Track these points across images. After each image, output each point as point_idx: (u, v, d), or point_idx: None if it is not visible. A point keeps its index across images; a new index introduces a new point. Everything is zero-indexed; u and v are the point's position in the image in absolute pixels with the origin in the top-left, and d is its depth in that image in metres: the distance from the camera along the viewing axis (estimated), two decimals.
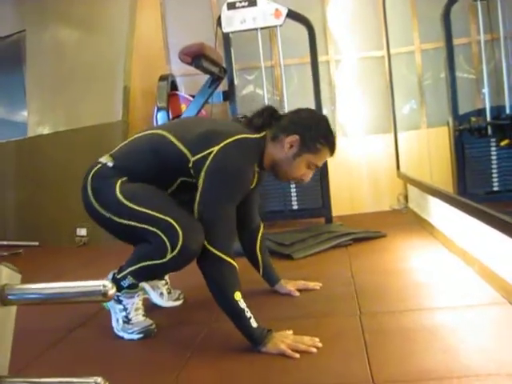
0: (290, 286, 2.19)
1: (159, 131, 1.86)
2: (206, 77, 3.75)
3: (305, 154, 1.82)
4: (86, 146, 4.08)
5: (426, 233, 3.16)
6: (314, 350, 1.57)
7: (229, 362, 1.58)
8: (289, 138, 1.81)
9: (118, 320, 1.88)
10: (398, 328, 1.70)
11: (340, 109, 4.54)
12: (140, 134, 1.96)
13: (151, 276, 1.95)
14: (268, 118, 1.87)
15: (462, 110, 3.30)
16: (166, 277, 2.22)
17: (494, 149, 3.19)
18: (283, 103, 3.89)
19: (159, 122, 3.87)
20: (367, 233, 3.21)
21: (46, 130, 4.35)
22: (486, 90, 3.26)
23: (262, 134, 1.84)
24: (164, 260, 1.68)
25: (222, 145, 1.72)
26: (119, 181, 1.79)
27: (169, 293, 2.21)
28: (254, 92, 4.64)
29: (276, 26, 3.77)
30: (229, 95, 3.88)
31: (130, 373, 1.59)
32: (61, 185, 4.19)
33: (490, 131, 3.16)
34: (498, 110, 3.15)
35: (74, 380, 0.99)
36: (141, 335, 1.84)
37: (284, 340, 1.60)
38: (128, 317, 1.85)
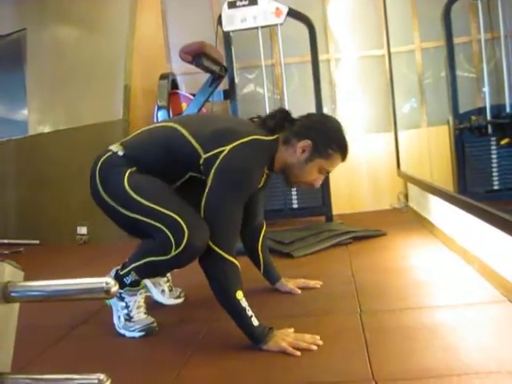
0: (290, 284, 2.20)
1: (173, 124, 1.85)
2: (207, 75, 3.75)
3: (317, 159, 1.82)
4: (86, 144, 4.08)
5: (426, 231, 3.16)
6: (315, 347, 1.57)
7: (230, 360, 1.58)
8: (301, 142, 1.80)
9: (119, 317, 1.89)
10: (399, 326, 1.70)
11: (340, 107, 4.54)
12: (153, 126, 1.95)
13: (154, 272, 1.95)
14: (281, 121, 1.86)
15: (462, 109, 3.30)
16: (168, 274, 2.22)
17: (494, 147, 3.19)
18: (284, 102, 3.90)
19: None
20: (367, 231, 3.22)
21: (46, 129, 4.35)
22: (486, 89, 3.26)
23: (275, 137, 1.84)
24: (168, 256, 1.67)
25: (234, 144, 1.71)
26: (128, 171, 1.78)
27: (170, 290, 2.21)
28: (255, 91, 4.65)
29: (277, 25, 3.77)
30: (229, 94, 3.88)
31: (131, 370, 1.59)
32: (61, 183, 4.20)
33: (490, 130, 3.16)
34: (498, 109, 3.16)
35: (77, 377, 0.99)
36: (142, 333, 1.84)
37: (285, 338, 1.61)
38: (130, 314, 1.86)
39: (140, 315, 1.87)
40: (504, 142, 3.14)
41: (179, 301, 2.21)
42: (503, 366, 1.35)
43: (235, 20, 3.71)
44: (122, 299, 1.87)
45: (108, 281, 0.97)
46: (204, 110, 3.93)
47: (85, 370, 1.08)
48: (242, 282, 1.66)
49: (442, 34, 3.33)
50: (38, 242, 4.19)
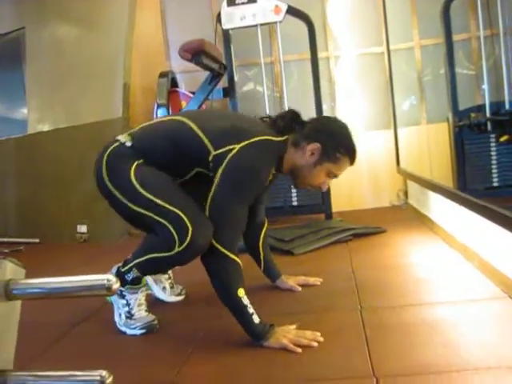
0: (290, 281, 2.20)
1: (182, 118, 1.83)
2: (206, 73, 3.75)
3: (325, 163, 1.82)
4: (86, 142, 4.08)
5: (426, 228, 3.16)
6: (316, 344, 1.58)
7: (230, 357, 1.59)
8: (310, 145, 1.81)
9: (120, 315, 1.89)
10: (399, 323, 1.71)
11: (340, 105, 4.54)
12: (163, 119, 1.94)
13: (156, 269, 1.94)
14: (290, 122, 1.86)
15: (461, 106, 3.31)
16: (170, 271, 2.22)
17: (493, 144, 3.20)
18: (283, 100, 3.90)
19: None
20: (367, 228, 3.22)
21: (45, 127, 4.35)
22: (485, 86, 3.26)
23: (285, 138, 1.84)
24: (171, 253, 1.66)
25: (244, 143, 1.71)
26: (135, 163, 1.77)
27: (171, 287, 2.21)
28: (255, 89, 4.65)
29: (276, 23, 3.77)
30: (229, 92, 3.88)
31: (132, 368, 1.60)
32: (61, 182, 4.20)
33: (489, 127, 3.17)
34: (497, 106, 3.16)
35: (79, 373, 1.00)
36: (143, 331, 1.85)
37: (286, 335, 1.61)
38: (131, 312, 1.86)
39: (141, 313, 1.87)
40: (503, 138, 3.14)
41: (180, 298, 2.21)
42: (503, 361, 1.35)
43: (234, 18, 3.70)
44: (123, 297, 1.87)
45: (109, 278, 0.98)
46: (204, 107, 3.93)
47: (86, 367, 1.09)
48: (244, 280, 1.66)
49: (442, 31, 3.34)
50: (38, 240, 4.19)
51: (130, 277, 1.82)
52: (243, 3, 3.67)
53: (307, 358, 1.51)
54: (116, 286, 0.97)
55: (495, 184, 3.21)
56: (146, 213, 1.70)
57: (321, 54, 4.15)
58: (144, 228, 1.83)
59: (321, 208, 3.82)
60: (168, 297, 2.18)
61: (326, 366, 1.45)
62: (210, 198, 1.70)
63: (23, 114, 4.59)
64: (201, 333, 1.82)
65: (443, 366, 1.36)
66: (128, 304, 1.86)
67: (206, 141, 1.75)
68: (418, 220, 3.48)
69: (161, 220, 1.68)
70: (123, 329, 1.88)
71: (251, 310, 1.62)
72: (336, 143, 1.82)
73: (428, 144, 3.77)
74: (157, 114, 3.92)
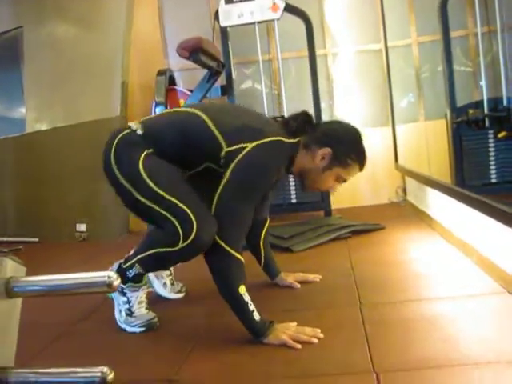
0: (290, 278, 2.20)
1: (198, 111, 1.80)
2: (204, 71, 3.75)
3: (335, 168, 1.83)
4: (84, 141, 4.08)
5: (425, 225, 3.17)
6: (316, 340, 1.58)
7: (231, 354, 1.59)
8: (321, 150, 1.81)
9: (120, 311, 1.89)
10: (398, 318, 1.71)
11: (338, 102, 4.55)
12: (177, 109, 1.92)
13: (159, 265, 1.90)
14: (302, 124, 1.85)
15: (459, 103, 3.31)
16: (171, 267, 2.21)
17: (491, 141, 3.20)
18: (281, 97, 3.90)
19: None
20: (366, 225, 3.23)
21: (44, 126, 4.35)
22: (483, 83, 3.27)
23: (297, 140, 1.83)
24: (175, 248, 1.65)
25: (258, 142, 1.70)
26: (144, 152, 1.74)
27: (172, 284, 2.21)
28: (253, 87, 4.65)
29: (273, 20, 3.76)
30: (227, 89, 3.88)
31: (132, 365, 1.60)
32: (60, 180, 4.20)
33: (487, 123, 3.17)
34: (495, 102, 3.16)
35: (81, 370, 1.00)
36: (143, 329, 1.85)
37: (285, 331, 1.62)
38: (131, 310, 1.86)
39: (141, 310, 1.88)
40: (501, 135, 3.14)
41: (180, 296, 2.21)
42: (502, 356, 1.36)
43: (232, 15, 3.70)
44: (123, 294, 1.87)
45: (110, 275, 0.98)
46: None
47: (87, 364, 1.09)
48: (246, 278, 1.66)
49: (439, 27, 3.33)
50: (37, 239, 4.19)
51: (131, 273, 1.81)
52: (241, 1, 3.67)
53: (307, 355, 1.52)
54: (116, 282, 0.97)
55: (493, 180, 3.22)
56: (152, 205, 1.69)
57: (319, 52, 4.15)
58: (147, 219, 1.82)
59: (320, 205, 3.83)
60: (168, 293, 2.18)
61: (326, 362, 1.45)
62: (217, 195, 1.69)
63: (21, 113, 4.58)
64: (201, 330, 1.82)
65: (443, 360, 1.37)
66: (129, 301, 1.86)
67: (218, 136, 1.73)
68: (417, 216, 3.49)
69: (166, 214, 1.66)
70: (123, 326, 1.88)
71: (252, 307, 1.62)
72: (347, 149, 1.83)
73: (426, 141, 3.77)
74: (155, 112, 3.91)
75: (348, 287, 2.10)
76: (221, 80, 3.97)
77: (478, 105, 3.24)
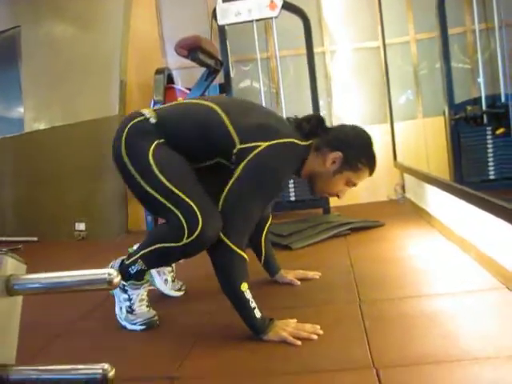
0: (290, 275, 2.21)
1: (213, 105, 1.78)
2: (202, 70, 3.75)
3: (345, 172, 1.83)
4: (82, 140, 4.09)
5: (424, 221, 3.18)
6: (315, 337, 1.59)
7: (231, 350, 1.60)
8: (332, 154, 1.80)
9: (121, 308, 1.90)
10: (398, 314, 1.72)
11: (336, 100, 4.55)
12: (192, 101, 1.91)
13: (162, 261, 1.88)
14: (315, 127, 1.85)
15: (457, 100, 3.31)
16: (173, 264, 2.21)
17: (489, 137, 3.20)
18: (280, 95, 3.90)
19: None
20: (365, 222, 3.23)
21: (42, 126, 4.35)
22: (481, 79, 3.27)
23: (309, 143, 1.83)
24: (179, 244, 1.64)
25: (272, 142, 1.70)
26: (156, 141, 1.73)
27: (173, 281, 2.22)
28: (251, 86, 4.65)
29: (271, 18, 3.76)
30: (225, 88, 3.88)
31: (133, 363, 1.61)
32: (58, 179, 4.20)
33: (485, 120, 3.17)
34: (493, 99, 3.16)
35: (82, 367, 1.00)
36: (143, 327, 1.85)
37: (285, 328, 1.62)
38: (132, 307, 1.86)
39: (142, 308, 1.88)
40: (499, 131, 3.15)
41: (180, 294, 2.22)
42: (502, 351, 1.36)
43: (230, 14, 3.70)
44: (125, 291, 1.87)
45: (110, 272, 0.98)
46: None
47: (88, 362, 1.09)
48: (249, 275, 1.66)
49: (437, 25, 3.34)
50: (36, 238, 4.19)
51: (134, 269, 1.79)
52: None
53: (307, 351, 1.52)
54: (117, 279, 0.97)
55: (491, 177, 3.22)
56: (159, 198, 1.67)
57: (316, 49, 4.15)
58: (152, 210, 1.82)
59: (319, 203, 3.83)
60: (169, 290, 2.19)
61: (326, 358, 1.46)
62: (226, 191, 1.69)
63: (19, 112, 4.58)
64: (201, 327, 1.82)
65: (442, 356, 1.37)
66: (130, 299, 1.86)
67: (232, 132, 1.72)
68: (416, 213, 3.49)
69: (172, 208, 1.65)
70: (123, 323, 1.88)
71: (253, 304, 1.63)
72: (358, 153, 1.83)
73: (424, 138, 3.77)
74: None
75: (347, 284, 2.10)
76: (219, 78, 3.97)
77: (476, 102, 3.24)
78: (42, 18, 4.36)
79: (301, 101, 4.30)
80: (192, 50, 3.33)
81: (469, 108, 3.20)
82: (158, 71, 4.04)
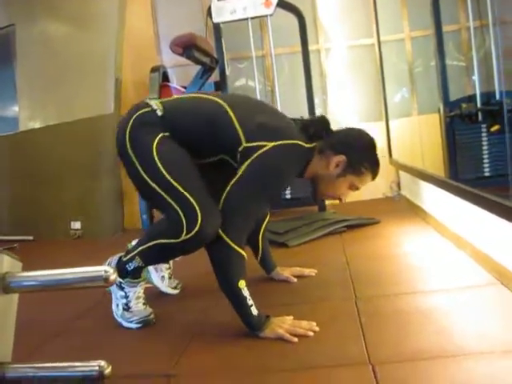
0: (286, 272, 2.21)
1: (220, 101, 1.78)
2: (198, 67, 3.75)
3: (349, 176, 1.84)
4: (78, 139, 4.08)
5: (419, 219, 3.19)
6: (312, 333, 1.59)
7: (227, 347, 1.60)
8: (336, 157, 1.81)
9: (118, 305, 1.89)
10: (393, 311, 1.72)
11: (331, 97, 4.55)
12: (200, 95, 1.89)
13: (160, 257, 1.88)
14: (320, 130, 1.85)
15: (452, 97, 3.32)
16: (171, 261, 2.21)
17: (484, 134, 3.21)
18: (275, 93, 3.90)
19: None
20: (361, 219, 3.24)
21: (37, 125, 4.34)
22: (475, 77, 3.28)
23: (313, 145, 1.83)
24: (177, 240, 1.63)
25: (277, 143, 1.69)
26: (160, 134, 1.71)
27: (169, 278, 2.22)
28: (247, 84, 4.65)
29: (266, 16, 3.76)
30: (220, 85, 3.88)
31: (130, 359, 1.61)
32: (54, 178, 4.19)
33: (480, 117, 3.18)
34: (488, 96, 3.17)
35: (78, 364, 1.01)
36: (139, 325, 1.85)
37: (282, 325, 1.62)
38: (128, 305, 1.86)
39: (138, 306, 1.87)
40: (494, 128, 3.16)
41: (175, 292, 2.21)
42: (496, 346, 1.37)
43: (225, 11, 3.69)
44: (121, 289, 1.87)
45: (107, 269, 0.98)
46: None
47: (85, 360, 1.09)
48: (246, 273, 1.66)
49: (431, 22, 3.34)
50: (31, 237, 4.18)
51: (131, 266, 1.79)
52: None
53: (303, 348, 1.52)
54: (113, 276, 0.98)
55: (486, 174, 3.23)
56: (160, 192, 1.66)
57: (312, 47, 4.16)
58: (152, 203, 1.81)
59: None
60: (165, 287, 2.19)
61: (323, 355, 1.46)
62: (228, 189, 1.68)
63: (14, 111, 4.57)
64: (198, 324, 1.83)
65: (438, 351, 1.38)
66: (126, 296, 1.86)
67: (239, 129, 1.72)
68: (411, 211, 3.50)
69: (172, 203, 1.64)
70: (119, 320, 1.88)
71: (250, 301, 1.63)
72: (361, 157, 1.84)
73: (419, 135, 3.78)
74: None
75: (343, 281, 2.11)
76: (214, 76, 3.97)
77: (471, 99, 3.25)
78: (36, 17, 4.34)
79: (296, 98, 4.31)
80: (187, 47, 3.33)
81: (464, 105, 3.21)
82: (154, 69, 4.03)
